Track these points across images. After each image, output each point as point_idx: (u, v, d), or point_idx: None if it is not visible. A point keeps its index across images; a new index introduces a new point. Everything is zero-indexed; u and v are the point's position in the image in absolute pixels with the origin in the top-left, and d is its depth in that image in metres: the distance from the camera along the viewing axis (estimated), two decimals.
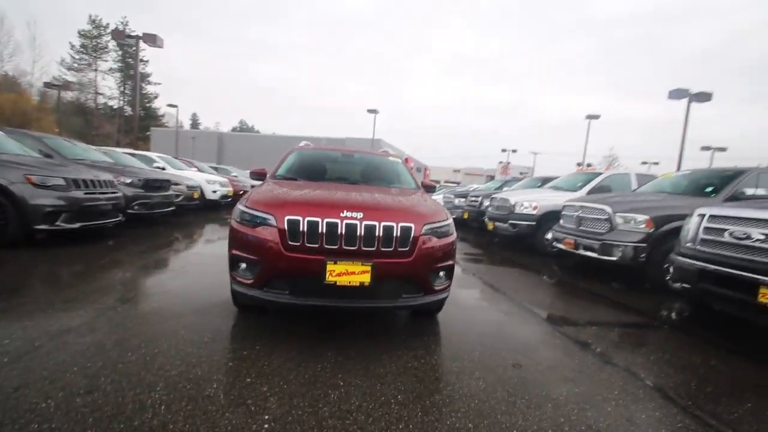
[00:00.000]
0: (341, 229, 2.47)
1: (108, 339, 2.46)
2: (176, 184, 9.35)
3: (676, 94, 16.89)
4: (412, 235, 2.57)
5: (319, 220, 2.48)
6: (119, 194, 6.17)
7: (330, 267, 2.42)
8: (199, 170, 13.35)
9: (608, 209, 5.32)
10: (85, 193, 5.35)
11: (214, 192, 11.77)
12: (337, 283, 2.44)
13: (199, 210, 11.12)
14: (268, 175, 3.85)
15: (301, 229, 2.47)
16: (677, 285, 3.81)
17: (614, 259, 5.11)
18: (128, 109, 45.30)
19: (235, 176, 15.52)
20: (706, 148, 28.32)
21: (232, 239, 2.72)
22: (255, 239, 2.54)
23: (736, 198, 5.00)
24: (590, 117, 26.91)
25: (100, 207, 5.60)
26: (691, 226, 3.83)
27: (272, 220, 2.53)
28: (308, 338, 2.72)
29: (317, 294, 2.51)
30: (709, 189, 5.38)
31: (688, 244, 3.78)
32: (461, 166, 73.27)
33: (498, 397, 2.15)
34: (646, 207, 5.19)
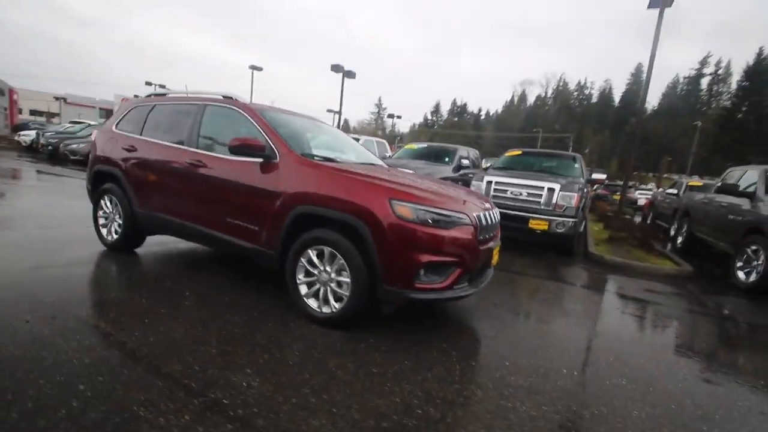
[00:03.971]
0: (490, 217, 2.87)
1: None
2: None
3: (336, 68, 21.62)
4: None
5: (482, 213, 2.75)
6: None
7: (495, 251, 2.83)
8: None
9: None
10: None
11: None
12: (492, 261, 2.91)
13: None
14: (283, 153, 2.84)
15: (483, 222, 2.66)
16: None
17: None
18: None
19: None
20: (330, 111, 37.38)
21: (414, 244, 2.35)
22: (454, 240, 2.46)
23: (461, 165, 8.37)
24: (253, 68, 28.24)
25: None
26: (483, 187, 6.46)
27: (467, 219, 2.52)
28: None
29: (481, 278, 2.83)
30: (447, 159, 8.55)
31: None
32: (64, 91, 54.35)
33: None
34: (429, 173, 7.63)
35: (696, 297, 4.61)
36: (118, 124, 3.99)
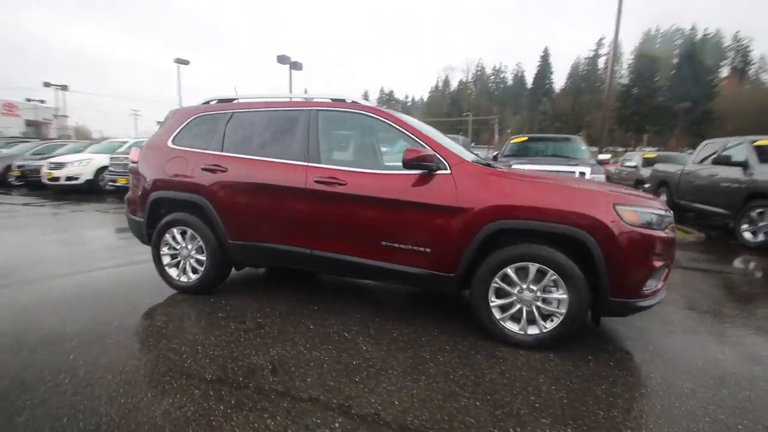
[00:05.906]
0: None
1: None
2: None
3: (282, 59, 20.21)
4: None
5: None
6: None
7: None
8: None
9: None
10: None
11: None
12: None
13: None
14: (454, 162, 2.51)
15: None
16: None
17: None
18: None
19: None
20: None
21: (645, 250, 2.23)
22: (669, 240, 2.37)
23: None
24: (179, 61, 25.34)
25: None
26: None
27: (670, 216, 2.43)
28: None
29: None
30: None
31: None
32: None
33: None
34: None
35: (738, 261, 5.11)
36: (174, 138, 3.24)
